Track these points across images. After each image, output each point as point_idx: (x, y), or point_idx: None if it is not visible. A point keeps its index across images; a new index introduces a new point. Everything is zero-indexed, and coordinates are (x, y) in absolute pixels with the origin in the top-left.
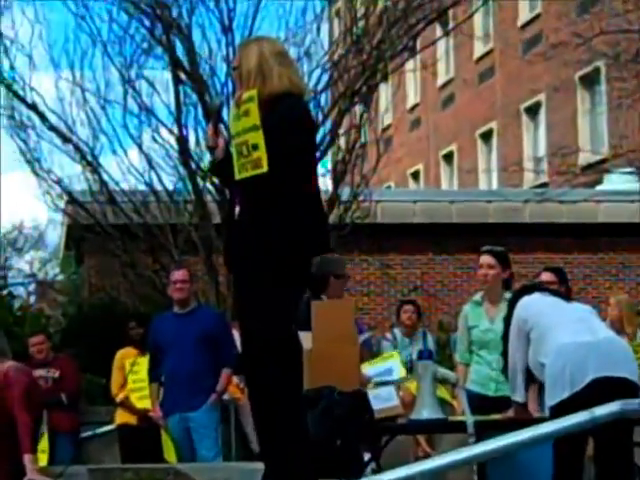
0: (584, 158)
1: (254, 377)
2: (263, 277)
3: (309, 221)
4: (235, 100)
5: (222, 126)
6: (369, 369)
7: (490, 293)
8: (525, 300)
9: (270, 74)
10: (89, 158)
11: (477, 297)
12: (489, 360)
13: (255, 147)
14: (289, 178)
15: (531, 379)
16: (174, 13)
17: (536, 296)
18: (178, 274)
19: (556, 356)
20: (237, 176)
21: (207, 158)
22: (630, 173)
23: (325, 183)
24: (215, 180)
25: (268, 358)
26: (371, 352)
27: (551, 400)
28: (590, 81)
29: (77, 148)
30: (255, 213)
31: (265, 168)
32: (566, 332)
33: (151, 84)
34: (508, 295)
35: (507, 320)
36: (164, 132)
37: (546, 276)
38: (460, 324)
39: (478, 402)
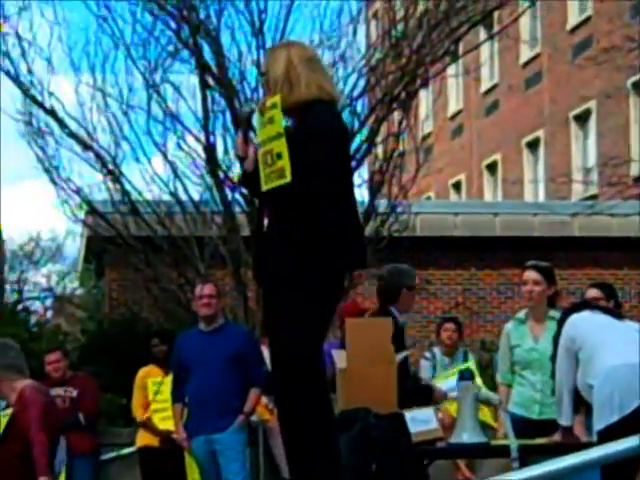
0: (636, 169)
1: (283, 396)
2: (292, 293)
3: (340, 235)
4: (259, 107)
5: (252, 134)
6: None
7: (535, 311)
8: (574, 318)
9: (297, 81)
10: (110, 166)
11: (520, 315)
12: (533, 381)
13: (279, 156)
14: (317, 190)
15: (580, 402)
16: (202, 14)
17: (586, 314)
18: (205, 289)
19: (604, 378)
20: (263, 187)
21: (237, 168)
22: None
23: (361, 194)
24: (244, 190)
25: (298, 376)
26: (408, 372)
27: (599, 424)
28: None
29: (98, 156)
30: (282, 226)
31: (288, 178)
32: (615, 353)
33: (177, 89)
34: (553, 313)
35: (556, 339)
36: (190, 139)
37: (593, 292)
38: (502, 343)
39: (521, 425)
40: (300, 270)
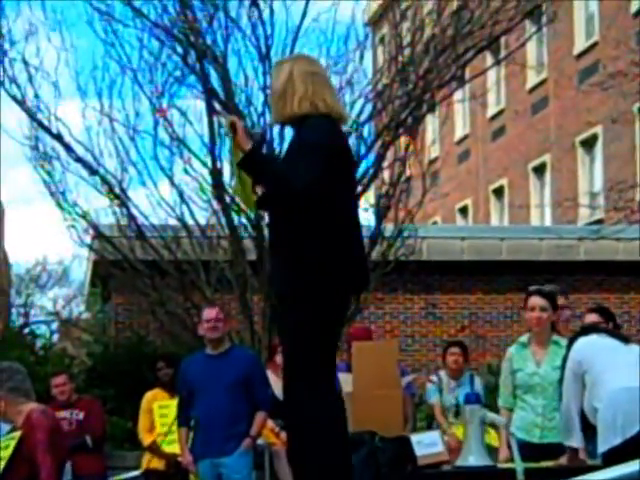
0: None
1: (293, 417)
2: (295, 317)
3: (336, 257)
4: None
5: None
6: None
7: (539, 336)
8: (580, 342)
9: (292, 96)
10: (117, 191)
11: (523, 339)
12: (534, 405)
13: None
14: (302, 205)
15: (586, 425)
16: (208, 40)
17: (592, 338)
18: (211, 312)
19: (608, 402)
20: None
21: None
22: None
23: (368, 218)
24: (250, 215)
25: (309, 401)
26: (413, 396)
27: (603, 446)
28: None
29: (104, 180)
30: (277, 246)
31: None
32: (619, 377)
33: (183, 114)
34: (555, 337)
35: (564, 363)
36: (197, 164)
37: (592, 317)
38: (504, 367)
39: (522, 449)
40: (301, 291)
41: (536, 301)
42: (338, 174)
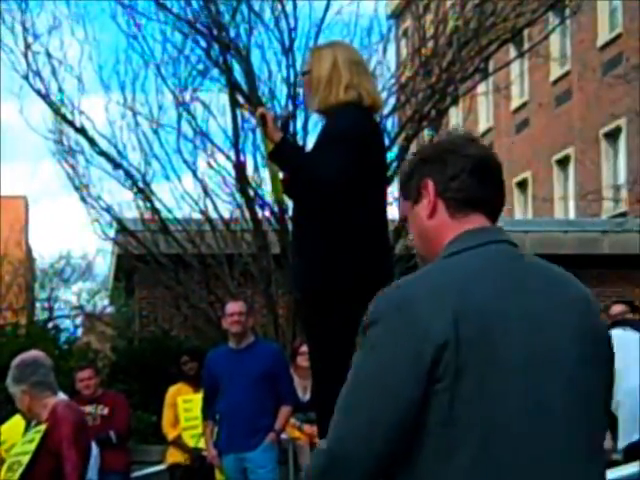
0: None
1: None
2: (320, 315)
3: (359, 252)
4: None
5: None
6: None
7: None
8: None
9: (339, 83)
10: (140, 184)
11: None
12: None
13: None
14: (328, 194)
15: (611, 420)
16: (232, 33)
17: (617, 331)
18: (234, 306)
19: (627, 398)
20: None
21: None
22: None
23: (392, 212)
24: (274, 209)
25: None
26: None
27: (622, 441)
28: None
29: (128, 174)
30: (301, 241)
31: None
32: (638, 372)
33: (207, 107)
34: None
35: None
36: (220, 158)
37: (619, 308)
38: None
39: None
40: (326, 287)
41: None
42: (367, 165)
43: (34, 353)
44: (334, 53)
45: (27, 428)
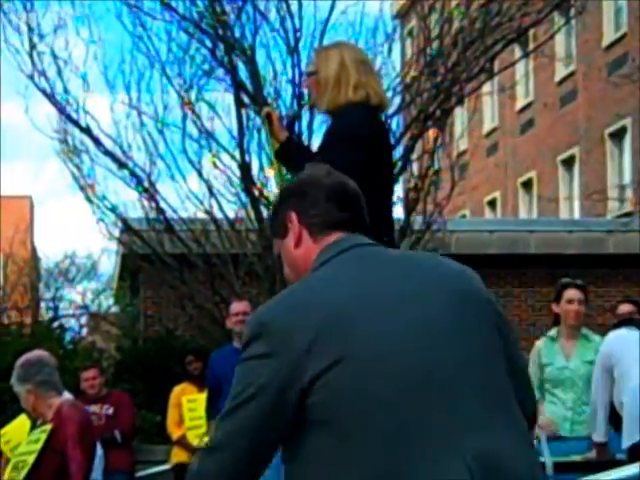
0: None
1: None
2: None
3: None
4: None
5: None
6: None
7: (573, 329)
8: (610, 336)
9: (347, 82)
10: (146, 184)
11: (552, 333)
12: (564, 399)
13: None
14: None
15: (618, 419)
16: (237, 33)
17: (622, 331)
18: (239, 306)
19: (632, 397)
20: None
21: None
22: None
23: (397, 211)
24: None
25: None
26: None
27: (626, 442)
28: None
29: (133, 174)
30: None
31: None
32: None
33: (212, 107)
34: (585, 331)
35: None
36: (225, 157)
37: (626, 307)
38: (532, 360)
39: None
40: None
41: (575, 293)
42: (374, 165)
43: (38, 353)
44: (341, 53)
45: (33, 427)
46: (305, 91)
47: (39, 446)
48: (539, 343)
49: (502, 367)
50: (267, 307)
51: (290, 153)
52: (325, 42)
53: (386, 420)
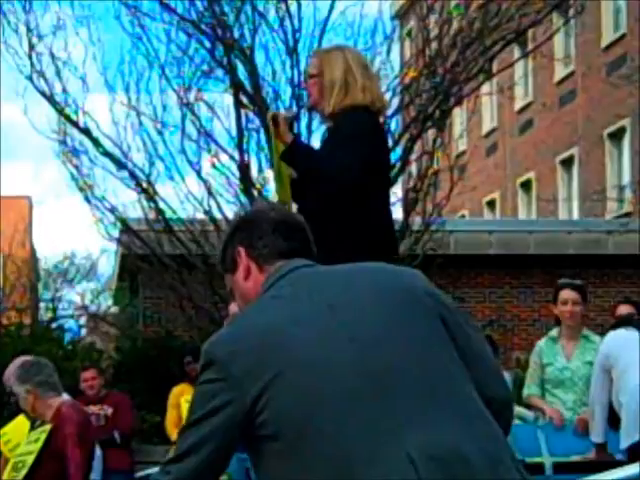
0: None
1: None
2: None
3: (372, 252)
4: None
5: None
6: None
7: (571, 330)
8: (609, 336)
9: (354, 85)
10: (145, 185)
11: (553, 333)
12: (564, 400)
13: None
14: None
15: (617, 419)
16: (236, 34)
17: (620, 332)
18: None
19: (630, 398)
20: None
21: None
22: None
23: (396, 212)
24: None
25: None
26: None
27: (624, 442)
28: None
29: (132, 174)
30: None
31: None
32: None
33: (211, 108)
34: (586, 331)
35: None
36: (224, 158)
37: (625, 308)
38: (532, 360)
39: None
40: None
41: (569, 294)
42: (377, 166)
43: (35, 358)
44: (345, 56)
45: (32, 428)
46: (304, 92)
47: (38, 446)
48: (540, 343)
49: (447, 357)
50: (214, 337)
51: (298, 154)
52: (324, 43)
53: (325, 427)
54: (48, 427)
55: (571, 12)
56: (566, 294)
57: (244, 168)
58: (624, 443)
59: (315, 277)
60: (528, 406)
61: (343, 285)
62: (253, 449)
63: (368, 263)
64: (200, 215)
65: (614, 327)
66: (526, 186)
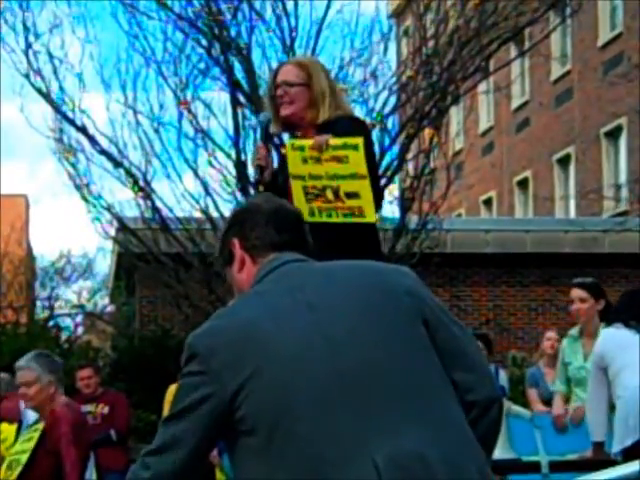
0: None
1: None
2: None
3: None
4: (308, 144)
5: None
6: None
7: (587, 327)
8: (602, 335)
9: (340, 95)
10: (141, 183)
11: (574, 331)
12: (583, 398)
13: (352, 195)
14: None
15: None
16: (233, 32)
17: (612, 331)
18: None
19: (622, 401)
20: (308, 218)
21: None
22: None
23: (392, 210)
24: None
25: None
26: None
27: (617, 446)
28: None
29: (129, 173)
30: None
31: (369, 218)
32: (635, 375)
33: (208, 106)
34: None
35: None
36: (221, 156)
37: (575, 293)
38: (559, 357)
39: None
40: None
41: (575, 293)
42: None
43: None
44: (321, 66)
45: (19, 427)
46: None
47: (32, 445)
48: (564, 341)
49: (421, 359)
50: (198, 330)
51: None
52: (321, 41)
53: (298, 427)
54: (41, 425)
55: (567, 11)
56: (573, 293)
57: (241, 166)
58: (616, 447)
59: (300, 274)
60: (525, 405)
61: (325, 284)
62: (231, 445)
63: (356, 261)
64: (197, 213)
65: (606, 322)
66: (523, 185)
